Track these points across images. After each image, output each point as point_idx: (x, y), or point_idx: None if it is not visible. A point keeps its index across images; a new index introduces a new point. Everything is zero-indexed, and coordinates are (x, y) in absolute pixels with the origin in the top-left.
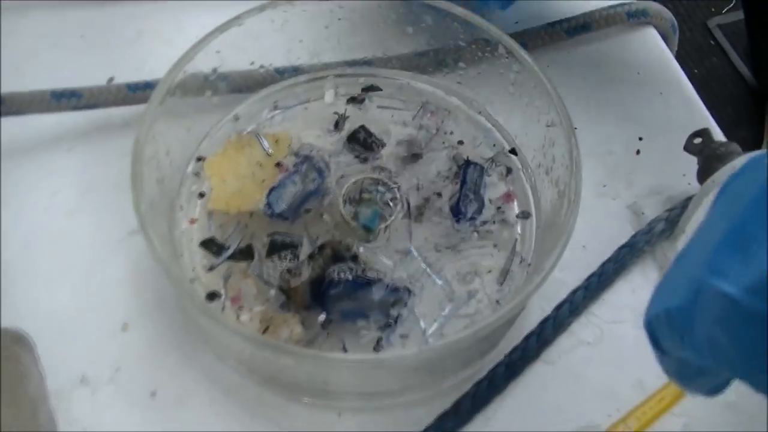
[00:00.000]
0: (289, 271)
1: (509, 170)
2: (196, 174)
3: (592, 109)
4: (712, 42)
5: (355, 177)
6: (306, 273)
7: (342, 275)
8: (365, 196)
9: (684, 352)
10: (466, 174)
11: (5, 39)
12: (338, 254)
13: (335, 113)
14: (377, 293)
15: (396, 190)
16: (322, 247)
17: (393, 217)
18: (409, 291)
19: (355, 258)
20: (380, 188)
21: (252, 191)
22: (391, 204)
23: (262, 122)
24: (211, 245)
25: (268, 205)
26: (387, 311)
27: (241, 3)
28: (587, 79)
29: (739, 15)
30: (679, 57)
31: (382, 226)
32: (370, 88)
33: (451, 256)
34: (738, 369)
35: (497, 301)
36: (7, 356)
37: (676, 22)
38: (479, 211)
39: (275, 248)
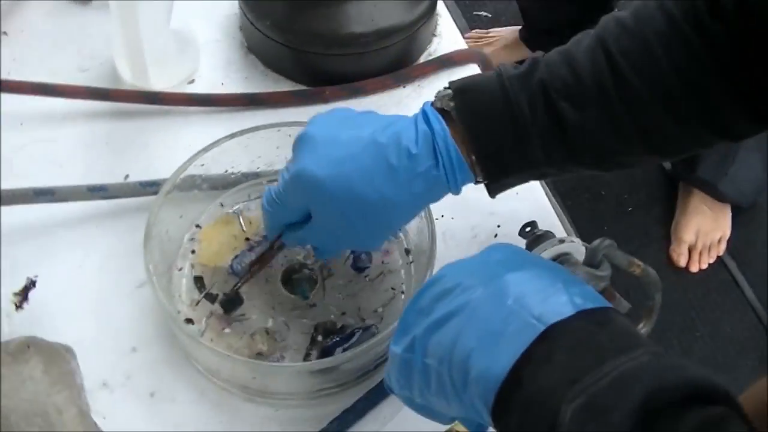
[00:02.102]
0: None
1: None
2: (192, 239)
3: (469, 204)
4: None
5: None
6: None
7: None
8: (294, 276)
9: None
10: None
11: (59, 141)
12: (327, 329)
13: None
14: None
15: (312, 267)
16: (316, 328)
17: (318, 285)
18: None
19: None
20: (306, 270)
21: (226, 254)
22: (312, 275)
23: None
24: (198, 281)
25: (231, 267)
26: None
27: (220, 117)
28: None
29: None
30: None
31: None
32: None
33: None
34: (405, 397)
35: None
36: (62, 358)
37: None
38: (368, 261)
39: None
